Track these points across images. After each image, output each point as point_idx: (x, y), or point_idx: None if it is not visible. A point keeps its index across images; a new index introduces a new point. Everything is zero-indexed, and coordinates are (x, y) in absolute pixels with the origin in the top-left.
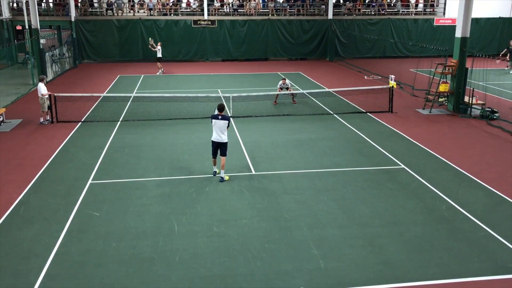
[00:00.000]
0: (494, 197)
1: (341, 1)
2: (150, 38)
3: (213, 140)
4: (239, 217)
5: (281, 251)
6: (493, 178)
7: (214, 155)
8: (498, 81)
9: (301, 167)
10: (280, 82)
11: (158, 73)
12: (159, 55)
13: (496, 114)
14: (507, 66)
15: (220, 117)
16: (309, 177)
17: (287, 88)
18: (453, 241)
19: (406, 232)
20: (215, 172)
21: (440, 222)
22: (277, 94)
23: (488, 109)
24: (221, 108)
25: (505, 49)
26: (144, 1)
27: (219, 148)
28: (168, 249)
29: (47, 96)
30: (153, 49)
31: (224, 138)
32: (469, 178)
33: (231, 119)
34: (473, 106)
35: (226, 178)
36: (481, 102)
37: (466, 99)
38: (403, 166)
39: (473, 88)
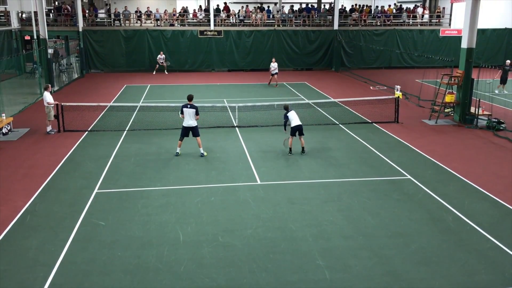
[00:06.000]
0: (501, 209)
1: (347, 12)
2: None
3: (184, 125)
4: (244, 227)
5: (286, 261)
6: (500, 189)
7: (182, 138)
8: (504, 92)
9: (306, 177)
10: (272, 64)
11: None
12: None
13: (502, 125)
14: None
15: (189, 105)
16: (314, 187)
17: (275, 73)
18: (459, 252)
19: (412, 243)
20: (178, 153)
21: (447, 233)
22: (270, 78)
23: (494, 119)
24: (190, 98)
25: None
26: (151, 12)
27: (191, 131)
28: (173, 258)
29: (53, 105)
30: None
31: (193, 123)
32: (475, 189)
33: (198, 108)
34: (479, 116)
35: (205, 154)
36: (487, 113)
37: (472, 109)
38: (409, 176)
39: (479, 99)
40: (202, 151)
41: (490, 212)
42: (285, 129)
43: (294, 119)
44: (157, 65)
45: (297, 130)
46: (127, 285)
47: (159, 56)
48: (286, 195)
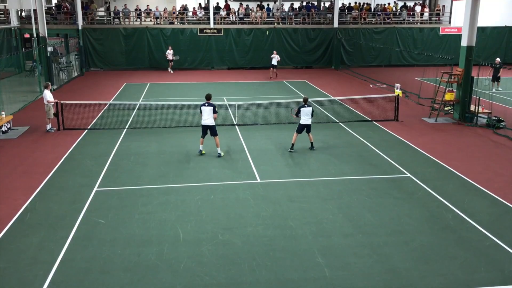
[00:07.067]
0: (500, 206)
1: (347, 10)
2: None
3: (203, 124)
4: (244, 225)
5: (286, 259)
6: (500, 187)
7: (203, 135)
8: (504, 90)
9: (306, 175)
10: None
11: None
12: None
13: (502, 123)
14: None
15: (206, 104)
16: (314, 185)
17: (275, 66)
18: (459, 250)
19: (412, 241)
20: (201, 151)
21: (446, 231)
22: (271, 70)
23: (494, 118)
24: (207, 97)
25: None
26: (150, 10)
27: (209, 130)
28: (173, 256)
29: (52, 103)
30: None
31: (210, 121)
32: (475, 187)
33: (216, 107)
34: (479, 115)
35: (222, 154)
36: (487, 111)
37: (472, 107)
38: (408, 174)
39: (479, 97)
40: (219, 151)
41: (490, 210)
42: (296, 115)
43: (305, 116)
44: (170, 62)
45: (304, 128)
46: (127, 283)
47: (168, 51)
48: (286, 193)
